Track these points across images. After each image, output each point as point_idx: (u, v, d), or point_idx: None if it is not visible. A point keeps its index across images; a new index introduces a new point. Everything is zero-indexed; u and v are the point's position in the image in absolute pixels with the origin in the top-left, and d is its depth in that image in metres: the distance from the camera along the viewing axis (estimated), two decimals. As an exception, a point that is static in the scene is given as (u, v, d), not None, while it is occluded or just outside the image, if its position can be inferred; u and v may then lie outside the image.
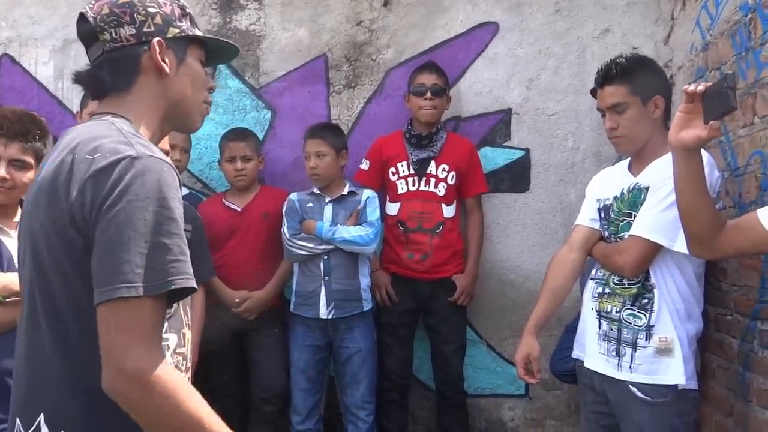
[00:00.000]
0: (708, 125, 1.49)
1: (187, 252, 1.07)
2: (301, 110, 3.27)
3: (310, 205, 2.91)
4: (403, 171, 3.05)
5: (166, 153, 2.38)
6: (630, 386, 1.96)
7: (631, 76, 2.01)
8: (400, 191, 3.04)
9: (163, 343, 1.11)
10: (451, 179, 3.02)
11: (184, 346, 1.22)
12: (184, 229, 2.69)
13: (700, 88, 1.49)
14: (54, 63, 3.25)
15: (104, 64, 1.20)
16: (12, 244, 1.85)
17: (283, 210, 2.90)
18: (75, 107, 3.19)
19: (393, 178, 3.06)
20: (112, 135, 1.10)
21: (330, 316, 2.83)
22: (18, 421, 1.11)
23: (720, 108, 1.45)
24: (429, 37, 3.24)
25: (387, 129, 3.19)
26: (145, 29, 1.19)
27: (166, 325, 1.13)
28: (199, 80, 1.26)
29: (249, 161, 2.94)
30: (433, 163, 3.02)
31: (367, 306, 2.90)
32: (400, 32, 3.25)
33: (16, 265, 1.81)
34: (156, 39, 1.19)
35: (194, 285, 1.06)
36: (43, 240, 1.09)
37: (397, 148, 3.07)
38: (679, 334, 1.94)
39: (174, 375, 1.04)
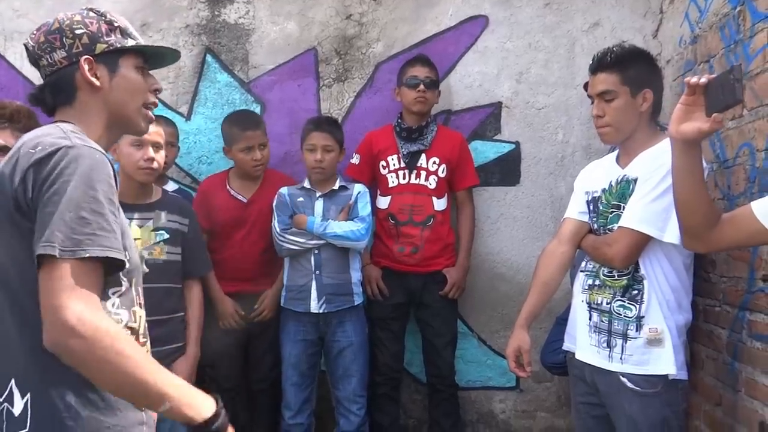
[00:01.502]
0: (711, 118, 1.46)
1: (111, 229, 1.18)
2: (291, 104, 3.26)
3: (301, 199, 2.90)
4: (394, 164, 3.05)
5: (157, 146, 2.38)
6: (620, 377, 1.98)
7: (624, 66, 2.01)
8: (390, 185, 3.04)
9: (114, 317, 1.24)
10: (442, 172, 3.02)
11: (135, 322, 1.32)
12: (181, 223, 2.68)
13: (703, 80, 1.47)
14: (40, 57, 3.20)
15: (46, 86, 1.35)
16: None
17: (274, 204, 2.89)
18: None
19: (383, 171, 3.06)
20: (53, 133, 1.25)
21: (321, 311, 2.83)
22: None
23: (724, 100, 1.42)
24: (419, 30, 3.24)
25: (377, 123, 3.19)
26: (74, 50, 1.32)
27: (117, 301, 1.27)
28: (134, 87, 1.38)
29: (265, 148, 2.89)
30: (423, 156, 3.02)
31: (358, 300, 2.90)
32: (390, 26, 3.24)
33: None
34: (84, 57, 1.32)
35: (115, 256, 1.17)
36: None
37: (388, 142, 3.06)
38: (668, 324, 1.96)
39: (114, 327, 1.15)
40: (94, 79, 1.32)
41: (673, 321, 1.97)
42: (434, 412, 3.10)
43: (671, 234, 1.86)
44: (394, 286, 3.01)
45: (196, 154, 3.26)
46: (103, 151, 1.25)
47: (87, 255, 1.14)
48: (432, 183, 3.02)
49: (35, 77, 3.19)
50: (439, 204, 3.03)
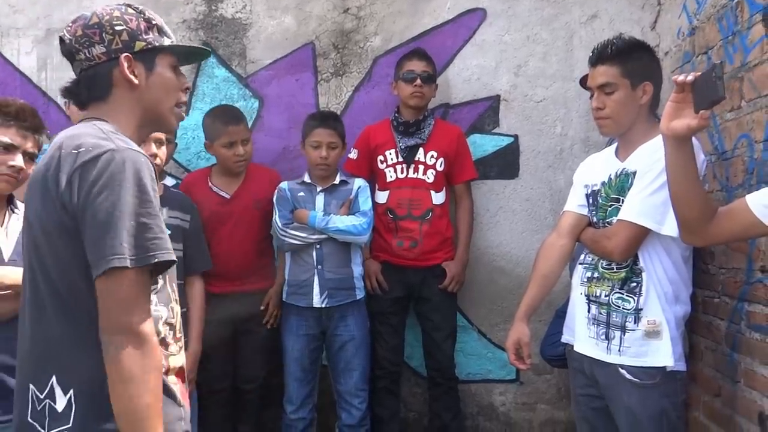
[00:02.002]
0: (698, 115, 1.50)
1: (165, 230, 1.23)
2: (289, 99, 3.25)
3: (302, 194, 2.89)
4: (392, 159, 3.04)
5: (160, 142, 2.38)
6: (619, 369, 1.98)
7: (625, 59, 2.01)
8: (388, 179, 3.04)
9: (154, 313, 1.27)
10: (440, 166, 3.02)
11: (173, 318, 1.37)
12: (182, 219, 2.70)
13: (690, 77, 1.50)
14: (37, 53, 3.20)
15: (82, 80, 1.36)
16: (0, 237, 1.83)
17: (274, 199, 2.88)
18: (59, 98, 3.15)
19: (381, 166, 3.06)
20: (93, 133, 1.26)
21: (323, 305, 2.83)
22: (32, 386, 1.26)
23: (709, 98, 1.46)
24: (417, 24, 3.23)
25: (375, 117, 3.18)
26: (113, 46, 1.33)
27: (155, 298, 1.30)
28: (169, 86, 1.40)
29: (248, 144, 2.86)
30: (421, 150, 3.02)
31: (360, 294, 2.90)
32: (388, 19, 3.23)
33: (5, 260, 1.80)
34: (123, 55, 1.33)
35: (173, 258, 1.23)
36: (39, 227, 1.25)
37: (385, 136, 3.06)
38: (667, 316, 1.96)
39: (157, 348, 1.21)
40: (132, 77, 1.33)
41: (671, 313, 1.97)
42: (434, 406, 3.11)
43: (669, 227, 1.87)
44: (393, 281, 3.01)
45: (195, 150, 3.25)
46: (145, 153, 1.27)
47: (155, 261, 1.19)
48: (430, 177, 3.02)
49: (32, 73, 3.19)
50: (438, 198, 3.03)
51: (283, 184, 2.91)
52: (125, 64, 1.32)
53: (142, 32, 1.35)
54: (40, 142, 1.92)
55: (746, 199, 1.60)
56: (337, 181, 2.91)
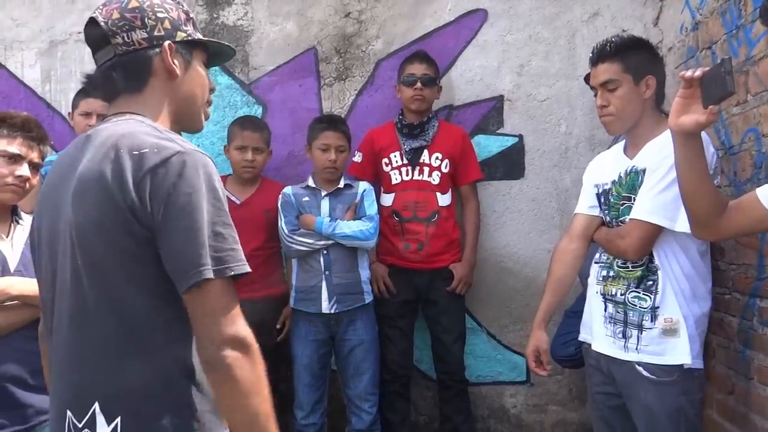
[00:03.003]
0: (707, 110, 1.49)
1: (237, 238, 1.16)
2: (293, 104, 3.25)
3: (307, 199, 2.89)
4: (396, 161, 3.04)
5: None
6: (636, 366, 1.97)
7: (624, 55, 2.01)
8: (394, 182, 3.04)
9: None
10: (445, 167, 3.01)
11: None
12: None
13: (698, 73, 1.50)
14: (41, 65, 3.21)
15: (117, 66, 1.24)
16: (5, 248, 1.84)
17: (279, 205, 2.88)
18: (63, 109, 3.16)
19: (386, 168, 3.05)
20: (147, 131, 1.16)
21: (332, 311, 2.82)
22: (69, 413, 1.14)
23: (718, 93, 1.45)
24: (418, 26, 3.23)
25: (379, 120, 3.18)
26: (155, 33, 1.25)
27: None
28: (204, 82, 1.33)
29: (260, 153, 2.90)
30: (426, 152, 3.01)
31: (368, 298, 2.89)
32: (389, 22, 3.23)
33: (11, 270, 1.80)
34: (167, 42, 1.25)
35: (248, 269, 1.16)
36: (95, 234, 1.13)
37: (389, 139, 3.06)
38: (684, 314, 1.95)
39: (259, 354, 1.14)
40: (175, 66, 1.26)
41: (688, 310, 1.95)
42: (445, 409, 3.09)
43: (683, 223, 1.85)
44: (400, 284, 3.00)
45: (199, 158, 3.25)
46: (211, 157, 1.19)
47: (233, 273, 1.12)
48: (435, 179, 3.01)
49: (36, 85, 3.20)
50: (444, 200, 3.02)
51: (287, 189, 2.91)
52: (169, 52, 1.24)
53: (182, 23, 1.28)
54: (44, 153, 1.92)
55: (756, 192, 1.59)
56: (341, 185, 2.90)
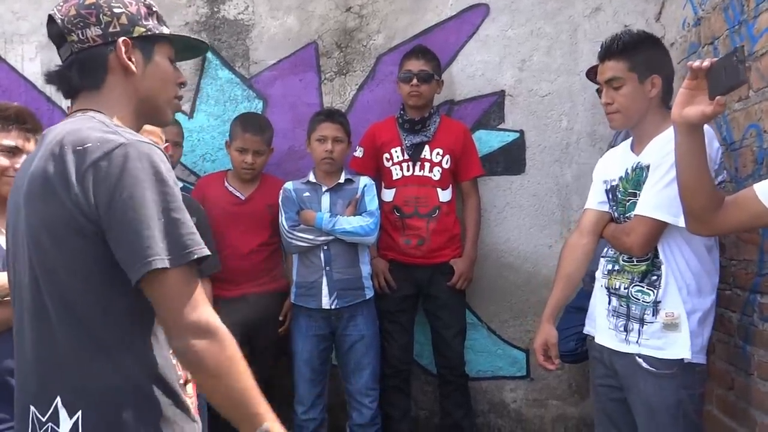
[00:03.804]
0: (714, 101, 1.47)
1: (192, 223, 1.15)
2: (293, 99, 3.25)
3: (307, 194, 2.89)
4: (398, 156, 3.03)
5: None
6: (637, 358, 1.98)
7: (631, 53, 2.00)
8: (395, 177, 3.03)
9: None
10: (446, 163, 3.01)
11: None
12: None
13: (706, 63, 1.48)
14: (41, 59, 3.20)
15: (73, 64, 1.24)
16: (3, 241, 1.84)
17: (279, 200, 2.88)
18: (63, 103, 3.16)
19: (387, 164, 3.05)
20: (95, 126, 1.15)
21: (333, 306, 2.82)
22: (32, 408, 1.15)
23: (728, 82, 1.43)
24: (419, 21, 3.22)
25: (380, 115, 3.18)
26: (110, 29, 1.23)
27: None
28: (167, 77, 1.30)
29: (260, 156, 2.89)
30: (427, 147, 3.01)
31: (369, 294, 2.89)
32: (391, 17, 3.22)
33: None
34: (121, 39, 1.23)
35: (208, 253, 1.15)
36: (46, 233, 1.14)
37: (391, 134, 3.05)
38: (687, 309, 1.95)
39: (229, 335, 1.14)
40: (130, 63, 1.23)
41: (691, 305, 1.95)
42: (445, 403, 3.10)
43: None
44: (401, 279, 3.01)
45: (200, 152, 3.25)
46: (159, 146, 1.17)
47: (195, 257, 1.11)
48: (436, 174, 3.01)
49: (36, 79, 3.20)
50: (444, 195, 3.02)
51: (288, 185, 2.91)
52: (123, 49, 1.22)
53: (142, 17, 1.25)
54: None
55: (755, 188, 1.59)
56: (342, 179, 2.90)
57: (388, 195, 3.04)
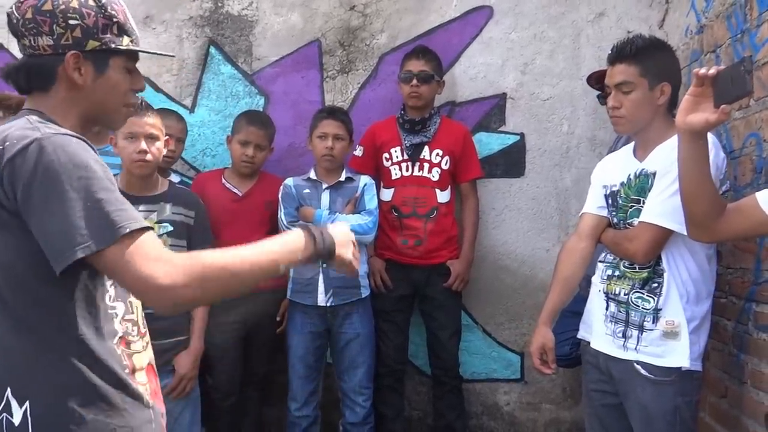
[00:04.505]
0: (719, 109, 1.47)
1: (126, 202, 1.15)
2: (295, 96, 3.25)
3: (307, 191, 2.89)
4: (397, 156, 3.04)
5: (152, 138, 2.35)
6: (635, 364, 1.97)
7: (643, 58, 1.98)
8: (393, 177, 3.04)
9: (110, 311, 1.22)
10: (445, 164, 3.01)
11: (132, 313, 1.30)
12: (186, 216, 2.64)
13: (712, 71, 1.48)
14: (43, 49, 3.20)
15: (23, 67, 1.25)
16: None
17: (279, 196, 2.88)
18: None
19: (387, 163, 3.05)
20: (20, 125, 1.17)
21: (329, 304, 2.82)
22: None
23: (734, 92, 1.43)
24: (423, 21, 3.22)
25: (381, 114, 3.18)
26: (62, 42, 1.22)
27: (113, 293, 1.24)
28: (117, 89, 1.30)
29: (261, 150, 2.89)
30: (426, 148, 3.01)
31: (365, 292, 2.89)
32: (394, 17, 3.22)
33: None
34: (71, 53, 1.22)
35: (145, 224, 1.14)
36: None
37: (391, 134, 3.05)
38: (687, 317, 1.94)
39: (193, 256, 1.16)
40: (77, 76, 1.24)
41: (691, 313, 1.95)
42: (439, 405, 3.10)
43: None
44: (397, 279, 3.01)
45: (200, 147, 3.25)
46: (77, 135, 1.17)
47: (128, 230, 1.10)
48: (435, 175, 3.01)
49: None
50: (443, 196, 3.02)
51: (288, 181, 2.91)
52: (71, 63, 1.22)
53: (98, 31, 1.24)
54: None
55: (756, 196, 1.59)
56: (342, 178, 2.90)
57: (387, 195, 3.04)
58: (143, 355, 1.29)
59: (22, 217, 1.11)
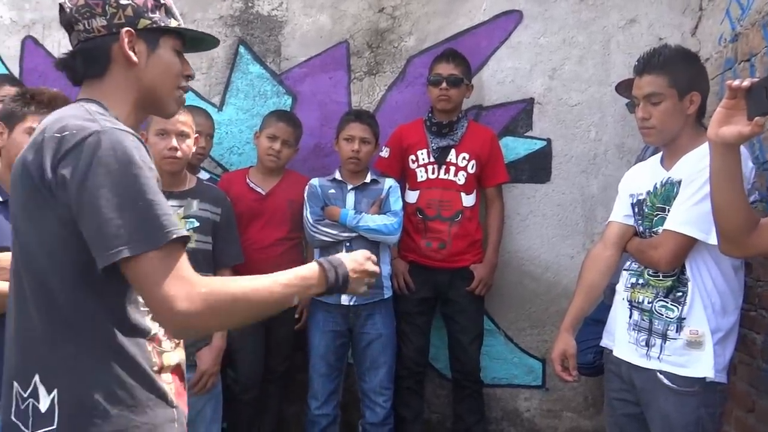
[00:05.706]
0: (752, 121, 1.45)
1: (169, 207, 1.16)
2: (322, 97, 3.26)
3: (333, 191, 2.90)
4: (423, 159, 3.04)
5: (183, 135, 2.38)
6: (658, 374, 1.95)
7: (672, 69, 1.96)
8: (419, 179, 3.04)
9: (143, 308, 1.21)
10: (471, 168, 3.00)
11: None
12: (213, 212, 2.65)
13: (745, 83, 1.45)
14: (77, 46, 3.25)
15: (78, 53, 1.27)
16: None
17: (305, 195, 2.90)
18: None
19: (413, 165, 3.05)
20: (78, 114, 1.18)
21: (352, 303, 2.83)
22: (15, 384, 1.20)
23: (767, 105, 1.40)
24: (452, 24, 3.22)
25: (408, 117, 3.18)
26: (115, 21, 1.25)
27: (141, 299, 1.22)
28: (171, 69, 1.32)
29: (288, 147, 2.92)
30: (453, 151, 3.01)
31: (387, 293, 2.90)
32: (423, 19, 3.22)
33: None
34: (125, 30, 1.25)
35: (186, 233, 1.15)
36: (24, 218, 1.19)
37: (418, 136, 3.06)
38: (711, 327, 1.92)
39: (212, 283, 1.17)
40: (132, 54, 1.25)
41: (716, 324, 1.92)
42: (458, 408, 3.09)
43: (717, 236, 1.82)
44: (420, 281, 3.01)
45: (227, 145, 3.28)
46: (134, 133, 1.19)
47: (174, 236, 1.11)
48: (461, 179, 3.00)
49: (72, 66, 3.24)
50: (468, 200, 3.01)
51: (314, 181, 2.93)
52: (126, 40, 1.24)
53: (148, 10, 1.27)
54: None
55: None
56: (368, 179, 2.91)
57: (412, 197, 3.04)
58: (172, 354, 1.29)
59: (70, 209, 1.12)
